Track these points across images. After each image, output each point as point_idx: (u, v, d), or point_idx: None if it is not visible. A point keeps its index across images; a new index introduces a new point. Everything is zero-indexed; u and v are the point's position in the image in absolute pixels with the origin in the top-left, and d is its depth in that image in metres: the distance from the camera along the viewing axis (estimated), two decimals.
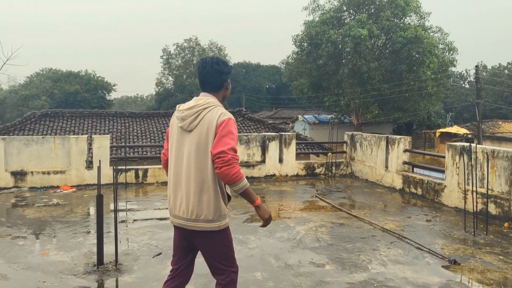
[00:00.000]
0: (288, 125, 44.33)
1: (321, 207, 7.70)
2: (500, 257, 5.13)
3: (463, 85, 51.93)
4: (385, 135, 9.68)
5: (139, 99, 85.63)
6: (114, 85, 46.74)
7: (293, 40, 35.37)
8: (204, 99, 2.82)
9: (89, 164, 9.28)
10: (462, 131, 28.57)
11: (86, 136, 9.31)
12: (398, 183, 9.10)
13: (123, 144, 13.77)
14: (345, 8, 34.34)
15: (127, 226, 6.34)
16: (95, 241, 4.81)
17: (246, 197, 2.72)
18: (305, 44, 35.01)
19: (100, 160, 5.18)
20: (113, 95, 59.17)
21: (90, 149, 9.72)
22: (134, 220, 6.76)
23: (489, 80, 46.36)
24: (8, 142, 8.88)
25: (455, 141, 28.59)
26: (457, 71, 37.56)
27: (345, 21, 33.46)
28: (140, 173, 9.52)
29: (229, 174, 2.60)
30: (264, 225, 2.85)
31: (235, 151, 2.66)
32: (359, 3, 32.93)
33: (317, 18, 34.23)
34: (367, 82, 32.07)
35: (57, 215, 6.93)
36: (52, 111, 16.50)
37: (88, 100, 42.14)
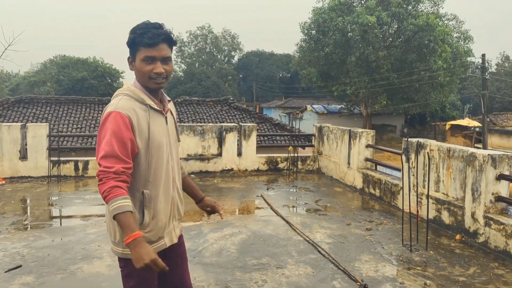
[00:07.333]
0: (297, 114, 43.12)
1: (258, 209, 6.82)
2: (428, 281, 4.15)
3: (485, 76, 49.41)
4: (348, 128, 8.63)
5: None
6: (122, 72, 46.22)
7: (301, 27, 34.09)
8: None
9: (24, 155, 8.61)
10: (473, 123, 26.94)
11: (20, 124, 8.60)
12: (358, 182, 8.09)
13: (67, 133, 13.15)
14: None
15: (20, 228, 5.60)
16: None
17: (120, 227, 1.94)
18: (313, 31, 33.71)
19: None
20: (125, 82, 58.78)
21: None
22: (33, 220, 6.02)
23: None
24: None
25: (465, 134, 27.10)
26: (477, 61, 35.41)
27: (355, 8, 31.89)
28: (80, 165, 8.79)
29: (100, 193, 1.94)
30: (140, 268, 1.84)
31: (108, 159, 1.93)
32: None
33: (326, 5, 32.91)
34: (375, 71, 30.63)
35: None
36: (27, 97, 15.94)
37: (95, 87, 41.71)
